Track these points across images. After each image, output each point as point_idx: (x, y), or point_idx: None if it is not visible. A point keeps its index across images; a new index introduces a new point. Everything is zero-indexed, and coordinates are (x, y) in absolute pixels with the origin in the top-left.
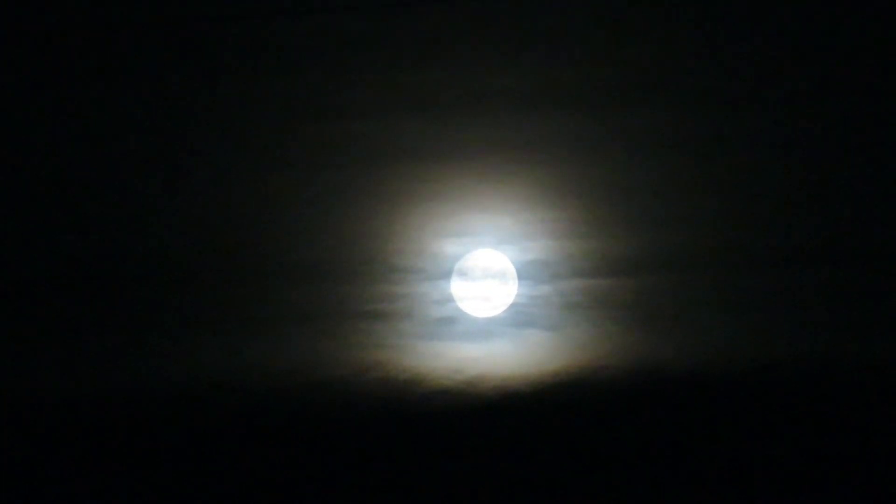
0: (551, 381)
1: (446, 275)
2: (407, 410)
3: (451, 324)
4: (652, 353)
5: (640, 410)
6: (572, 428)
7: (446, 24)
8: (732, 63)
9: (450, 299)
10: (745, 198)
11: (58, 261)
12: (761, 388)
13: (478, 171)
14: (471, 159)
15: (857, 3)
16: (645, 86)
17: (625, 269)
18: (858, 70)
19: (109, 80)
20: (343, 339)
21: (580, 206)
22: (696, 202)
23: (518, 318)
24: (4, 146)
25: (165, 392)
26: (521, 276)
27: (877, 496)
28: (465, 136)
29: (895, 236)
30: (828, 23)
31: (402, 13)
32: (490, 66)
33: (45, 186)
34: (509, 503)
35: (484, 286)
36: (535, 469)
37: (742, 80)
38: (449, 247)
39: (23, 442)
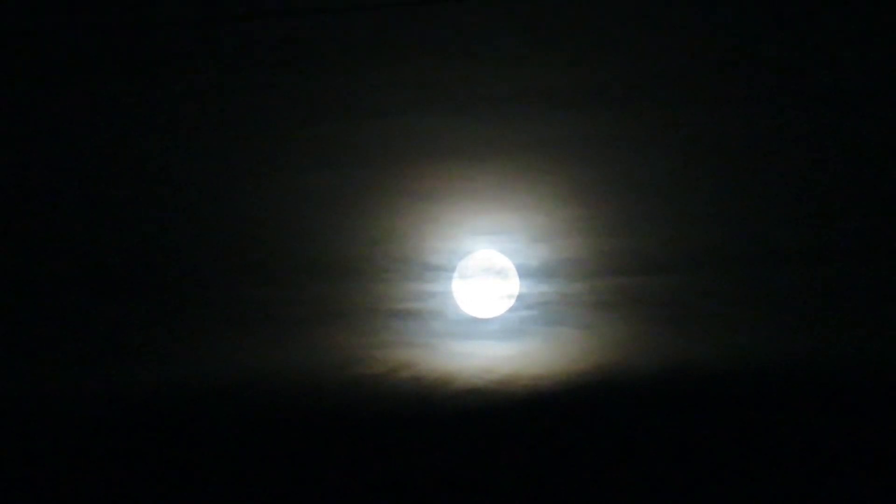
0: (583, 380)
1: (478, 273)
2: (437, 409)
3: (483, 322)
4: (685, 351)
5: (671, 409)
6: (604, 427)
7: (480, 20)
8: (764, 59)
9: (481, 297)
10: (777, 195)
11: (86, 261)
12: (794, 386)
13: (511, 168)
14: (504, 157)
15: (859, 1)
16: (680, 83)
17: (658, 268)
18: (861, 69)
19: (141, 76)
20: (374, 338)
21: (614, 203)
22: (731, 200)
23: (550, 316)
24: (18, 146)
25: (196, 391)
26: (554, 274)
27: None
28: (499, 134)
29: None
30: (830, 21)
31: (434, 10)
32: (524, 64)
33: (73, 185)
34: (540, 502)
35: (515, 284)
36: (566, 468)
37: (767, 77)
38: (481, 245)
39: (45, 444)
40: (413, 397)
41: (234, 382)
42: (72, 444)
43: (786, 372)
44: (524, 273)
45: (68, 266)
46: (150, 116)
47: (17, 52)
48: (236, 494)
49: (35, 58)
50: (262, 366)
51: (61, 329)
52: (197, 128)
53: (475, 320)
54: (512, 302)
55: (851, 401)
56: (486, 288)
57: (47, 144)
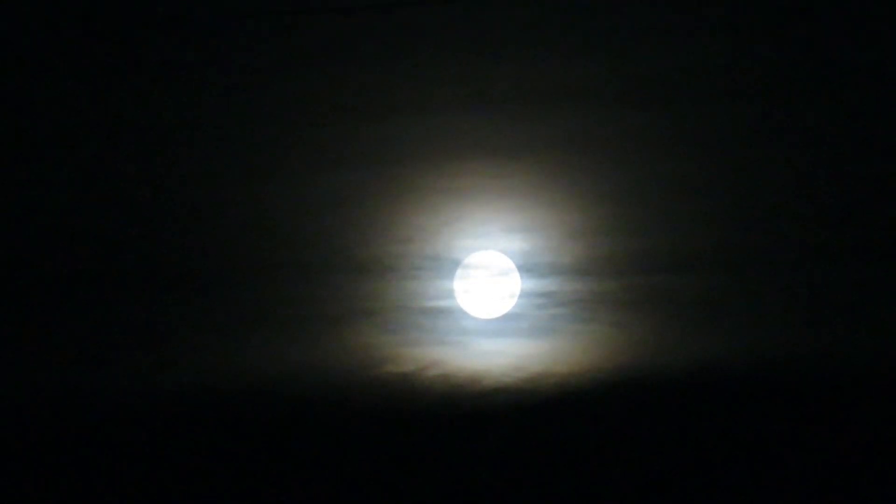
0: (613, 377)
1: (509, 271)
2: (466, 407)
3: (513, 320)
4: (715, 350)
5: (701, 407)
6: (633, 424)
7: (514, 17)
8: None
9: (512, 295)
10: (809, 194)
11: (113, 262)
12: (826, 386)
13: (545, 166)
14: (538, 155)
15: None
16: (717, 81)
17: (689, 266)
18: (861, 68)
19: (162, 74)
20: (403, 336)
21: (647, 202)
22: (763, 199)
23: (581, 314)
24: (38, 145)
25: (225, 389)
26: (586, 272)
27: None
28: (533, 132)
29: None
30: (830, 20)
31: (467, 7)
32: (557, 62)
33: (101, 185)
34: (570, 501)
35: (547, 282)
36: (595, 466)
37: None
38: (513, 242)
39: (69, 444)
40: (442, 395)
41: (263, 381)
42: (98, 444)
43: (816, 370)
44: (556, 271)
45: (96, 266)
46: (180, 114)
47: (22, 52)
48: (264, 493)
49: (48, 59)
50: (291, 364)
51: (87, 328)
52: (227, 125)
53: (505, 317)
54: (543, 300)
55: (877, 399)
56: (516, 285)
57: (68, 144)
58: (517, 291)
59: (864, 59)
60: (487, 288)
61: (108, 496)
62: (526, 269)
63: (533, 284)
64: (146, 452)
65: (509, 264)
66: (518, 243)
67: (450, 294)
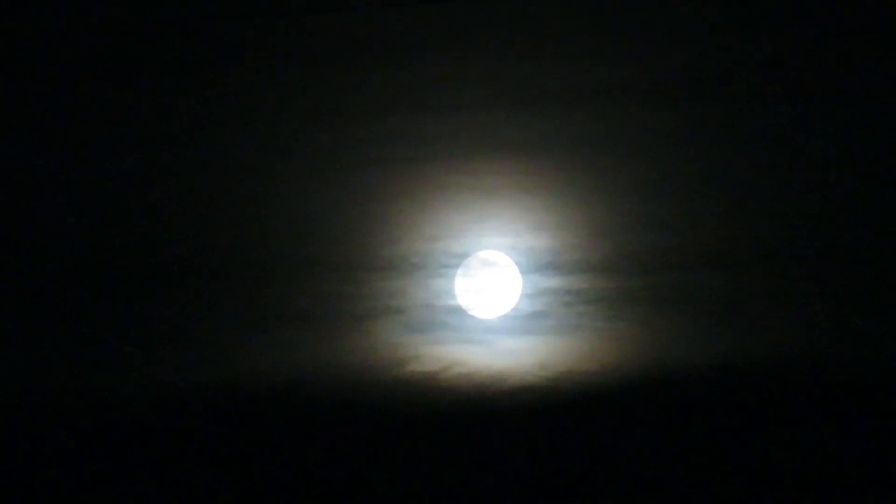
0: (638, 376)
1: (536, 268)
2: (491, 406)
3: (538, 318)
4: (741, 348)
5: (727, 405)
6: (659, 423)
7: (544, 15)
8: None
9: (539, 293)
10: (841, 193)
11: (142, 257)
12: (851, 384)
13: (571, 164)
14: (564, 152)
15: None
16: (740, 79)
17: (716, 264)
18: (863, 68)
19: (196, 74)
20: (429, 334)
21: (673, 199)
22: (790, 197)
23: (607, 312)
24: (70, 142)
25: (248, 386)
26: (612, 269)
27: None
28: (564, 130)
29: None
30: (831, 20)
31: (498, 4)
32: (593, 60)
33: (130, 181)
34: (594, 500)
35: (572, 279)
36: (620, 465)
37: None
38: (540, 240)
39: (93, 443)
40: (466, 394)
41: (287, 379)
42: (121, 444)
43: (841, 368)
44: (582, 268)
45: (123, 261)
46: (211, 112)
47: (22, 52)
48: (286, 492)
49: (53, 60)
50: (315, 362)
51: (111, 325)
52: (257, 122)
53: (530, 315)
54: (568, 297)
55: None
56: (543, 283)
57: (77, 144)
58: (542, 289)
59: (868, 59)
60: (512, 286)
61: (122, 498)
62: (552, 266)
63: (558, 282)
64: (167, 453)
65: (534, 262)
66: (544, 240)
67: (475, 292)
